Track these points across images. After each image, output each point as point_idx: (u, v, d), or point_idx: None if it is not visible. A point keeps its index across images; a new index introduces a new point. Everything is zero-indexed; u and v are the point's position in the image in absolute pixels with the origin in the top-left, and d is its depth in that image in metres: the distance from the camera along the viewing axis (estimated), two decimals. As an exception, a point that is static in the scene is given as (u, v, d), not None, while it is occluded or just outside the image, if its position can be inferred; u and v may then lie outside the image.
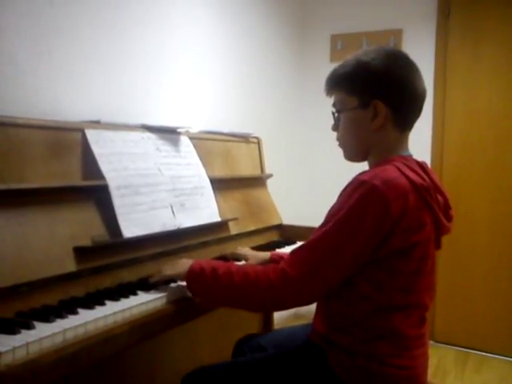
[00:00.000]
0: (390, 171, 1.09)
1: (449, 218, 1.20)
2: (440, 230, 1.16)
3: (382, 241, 1.06)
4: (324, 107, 1.35)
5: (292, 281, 1.07)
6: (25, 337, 0.92)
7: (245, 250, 1.70)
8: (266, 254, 1.60)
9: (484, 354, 3.03)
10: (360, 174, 1.11)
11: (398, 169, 1.10)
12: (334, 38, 3.41)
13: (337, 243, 1.07)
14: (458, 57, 3.07)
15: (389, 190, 1.04)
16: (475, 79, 3.03)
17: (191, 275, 1.19)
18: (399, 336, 1.11)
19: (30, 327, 0.96)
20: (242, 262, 1.57)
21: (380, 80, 1.16)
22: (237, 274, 1.13)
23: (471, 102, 3.05)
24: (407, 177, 1.08)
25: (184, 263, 1.24)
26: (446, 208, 1.20)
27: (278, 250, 1.77)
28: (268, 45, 3.11)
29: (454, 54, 3.08)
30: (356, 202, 1.05)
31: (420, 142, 3.07)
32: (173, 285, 1.31)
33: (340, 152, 1.29)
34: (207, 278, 1.16)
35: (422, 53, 3.12)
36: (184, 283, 1.23)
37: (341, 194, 1.12)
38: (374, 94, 1.16)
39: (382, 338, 1.11)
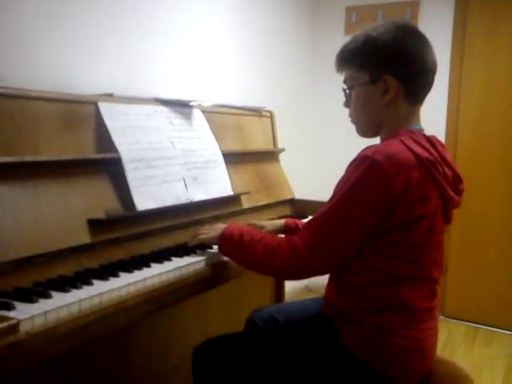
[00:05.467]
0: (394, 146, 1.10)
1: (458, 192, 1.20)
2: (448, 203, 1.16)
3: (387, 214, 1.07)
4: (337, 81, 1.33)
5: (300, 254, 1.12)
6: (42, 306, 0.94)
7: (263, 222, 1.73)
8: (281, 221, 1.64)
9: (494, 329, 3.05)
10: (364, 149, 1.12)
11: (403, 143, 1.10)
12: (349, 11, 3.34)
13: (342, 217, 1.09)
14: (477, 28, 3.00)
15: (391, 164, 1.05)
16: (495, 52, 2.96)
17: (222, 239, 1.30)
18: (408, 307, 1.13)
19: (47, 296, 0.98)
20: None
21: (389, 54, 1.16)
22: (258, 244, 1.20)
23: (489, 75, 2.99)
24: (412, 150, 1.09)
25: (218, 228, 1.35)
26: (456, 182, 1.19)
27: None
28: (281, 17, 3.06)
29: (473, 26, 3.01)
30: (359, 178, 1.07)
31: (434, 117, 3.04)
32: (187, 257, 1.33)
33: (352, 126, 1.29)
34: (235, 243, 1.26)
35: (439, 25, 3.05)
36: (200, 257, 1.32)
37: (346, 169, 1.14)
38: (384, 68, 1.16)
39: (391, 309, 1.12)
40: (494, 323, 3.07)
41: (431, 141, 1.17)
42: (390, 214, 1.07)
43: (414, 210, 1.08)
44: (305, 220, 1.68)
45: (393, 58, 1.16)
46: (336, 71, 1.27)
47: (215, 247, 1.40)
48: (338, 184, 1.14)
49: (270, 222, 1.66)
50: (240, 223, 1.59)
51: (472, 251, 3.12)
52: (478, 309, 3.11)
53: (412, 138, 1.13)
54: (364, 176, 1.07)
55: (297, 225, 1.60)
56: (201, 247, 1.42)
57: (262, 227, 1.62)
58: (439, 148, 1.16)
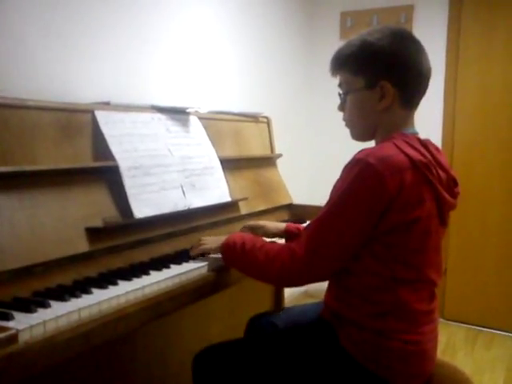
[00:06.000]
0: (387, 148, 1.10)
1: (453, 195, 1.20)
2: (442, 205, 1.16)
3: (381, 216, 1.07)
4: (333, 86, 1.34)
5: (299, 260, 1.12)
6: (41, 315, 0.94)
7: (263, 221, 1.69)
8: (282, 225, 1.62)
9: (494, 331, 3.05)
10: (357, 152, 1.12)
11: (396, 145, 1.11)
12: (344, 15, 3.36)
13: (336, 222, 1.10)
14: (472, 31, 3.02)
15: (384, 166, 1.05)
16: (489, 55, 2.98)
17: (225, 247, 1.30)
18: (407, 311, 1.13)
19: (46, 306, 0.98)
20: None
21: (386, 60, 1.16)
22: (260, 251, 1.20)
23: (484, 78, 3.00)
24: (405, 153, 1.09)
25: (219, 239, 1.36)
26: (450, 184, 1.19)
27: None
28: (277, 22, 3.08)
29: (467, 29, 3.03)
30: (352, 181, 1.08)
31: (430, 120, 3.05)
32: (185, 264, 1.33)
33: (348, 131, 1.29)
34: (237, 251, 1.25)
35: (433, 29, 3.07)
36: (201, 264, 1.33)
37: (341, 173, 1.14)
38: (381, 74, 1.16)
39: (390, 312, 1.12)
40: (494, 325, 3.06)
41: (425, 144, 1.17)
42: (385, 217, 1.07)
43: (408, 212, 1.08)
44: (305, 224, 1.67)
45: (390, 63, 1.16)
46: (331, 75, 1.27)
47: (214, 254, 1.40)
48: (334, 188, 1.15)
49: (271, 223, 1.64)
50: (238, 230, 1.59)
51: (471, 254, 3.13)
52: (478, 311, 3.11)
53: (405, 141, 1.13)
54: (357, 179, 1.07)
55: (298, 229, 1.58)
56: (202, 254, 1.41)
57: (262, 226, 1.60)
58: (433, 151, 1.17)
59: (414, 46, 1.18)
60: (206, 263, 1.35)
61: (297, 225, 1.64)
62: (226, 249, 1.29)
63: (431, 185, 1.12)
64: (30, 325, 0.89)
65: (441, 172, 1.15)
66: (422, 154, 1.12)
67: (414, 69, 1.17)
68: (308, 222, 1.20)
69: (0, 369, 0.82)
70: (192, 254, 1.40)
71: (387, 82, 1.16)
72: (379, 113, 1.19)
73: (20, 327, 0.88)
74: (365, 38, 1.18)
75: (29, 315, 0.94)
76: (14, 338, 0.85)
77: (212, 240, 1.40)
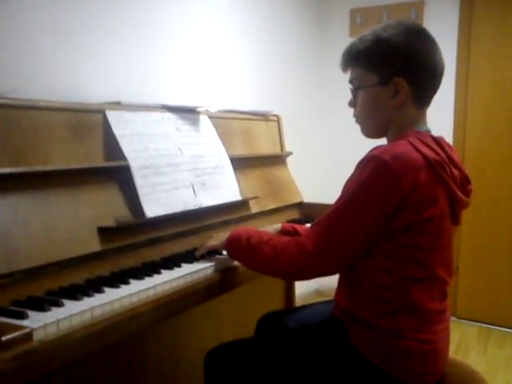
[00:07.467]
0: (402, 146, 1.09)
1: (466, 193, 1.19)
2: (456, 204, 1.15)
3: (395, 214, 1.06)
4: (343, 83, 1.33)
5: (308, 254, 1.12)
6: (55, 314, 0.95)
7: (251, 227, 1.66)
8: (278, 226, 1.59)
9: (507, 330, 3.02)
10: (372, 149, 1.12)
11: (411, 143, 1.10)
12: (354, 12, 3.34)
13: (349, 217, 1.09)
14: (483, 27, 2.99)
15: (398, 164, 1.04)
16: (501, 51, 2.95)
17: (230, 242, 1.30)
18: (419, 310, 1.12)
19: (59, 305, 0.99)
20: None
21: (401, 56, 1.15)
22: (266, 245, 1.20)
23: (496, 74, 2.98)
24: (420, 151, 1.08)
25: (223, 236, 1.36)
26: (464, 182, 1.19)
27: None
28: (286, 20, 3.07)
29: (479, 25, 3.00)
30: (366, 177, 1.07)
31: (442, 116, 3.03)
32: (196, 263, 1.34)
33: (359, 129, 1.28)
34: (243, 245, 1.26)
35: (444, 25, 3.05)
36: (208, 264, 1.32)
37: (354, 170, 1.13)
38: (395, 70, 1.15)
39: (402, 311, 1.12)
40: (507, 324, 3.04)
41: (438, 142, 1.16)
42: (399, 215, 1.07)
43: (422, 211, 1.07)
44: (307, 224, 1.65)
45: (405, 60, 1.15)
46: (341, 70, 1.26)
47: (225, 253, 1.40)
48: (346, 184, 1.14)
49: (266, 228, 1.59)
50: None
51: (483, 251, 3.10)
52: (491, 309, 3.09)
53: (419, 139, 1.12)
54: (372, 176, 1.06)
55: (294, 228, 1.56)
56: (210, 253, 1.42)
57: None
58: (446, 149, 1.16)
59: (429, 44, 1.17)
60: (215, 263, 1.35)
61: (292, 224, 1.61)
62: (231, 243, 1.29)
63: (445, 183, 1.11)
64: (43, 323, 0.90)
65: (454, 170, 1.14)
66: (436, 152, 1.11)
67: (428, 66, 1.16)
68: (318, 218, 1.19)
69: (15, 367, 0.83)
70: (196, 254, 1.40)
71: (402, 79, 1.14)
72: (392, 110, 1.18)
73: (34, 326, 0.89)
74: (379, 34, 1.17)
75: (43, 314, 0.95)
76: (28, 337, 0.86)
77: (216, 237, 1.40)
